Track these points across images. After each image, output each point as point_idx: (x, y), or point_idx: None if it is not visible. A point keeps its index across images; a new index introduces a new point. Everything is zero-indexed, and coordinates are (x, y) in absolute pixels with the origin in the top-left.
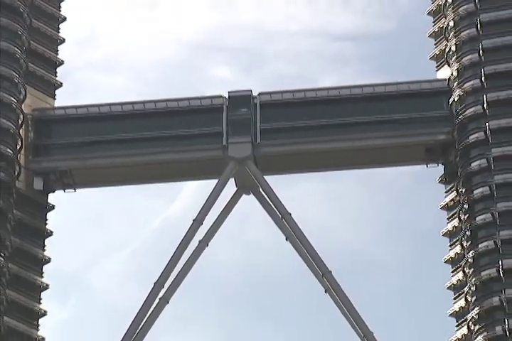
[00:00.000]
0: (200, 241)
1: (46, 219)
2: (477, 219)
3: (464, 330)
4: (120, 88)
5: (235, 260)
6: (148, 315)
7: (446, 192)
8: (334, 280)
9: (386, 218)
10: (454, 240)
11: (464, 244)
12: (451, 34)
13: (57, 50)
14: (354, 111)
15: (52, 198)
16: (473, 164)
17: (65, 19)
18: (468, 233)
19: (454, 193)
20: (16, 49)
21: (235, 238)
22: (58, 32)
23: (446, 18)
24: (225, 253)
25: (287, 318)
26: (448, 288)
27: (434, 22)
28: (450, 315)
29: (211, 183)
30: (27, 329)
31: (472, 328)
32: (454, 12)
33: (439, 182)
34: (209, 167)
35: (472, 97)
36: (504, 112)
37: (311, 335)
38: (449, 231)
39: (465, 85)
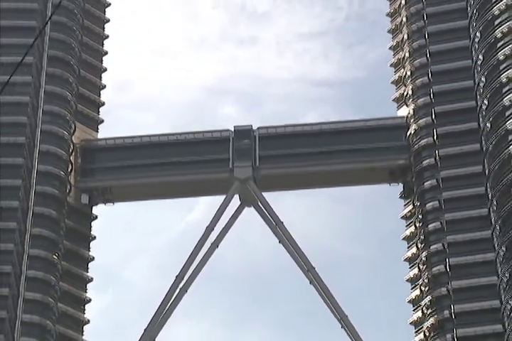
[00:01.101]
0: (211, 244)
1: (91, 227)
2: (429, 226)
3: (419, 314)
4: (149, 123)
5: (239, 258)
6: (170, 302)
7: (404, 205)
8: (317, 274)
9: (357, 226)
10: (411, 243)
11: (419, 246)
12: (408, 81)
13: (100, 94)
14: (332, 141)
15: (95, 210)
16: (425, 183)
17: (106, 69)
18: (422, 237)
19: (411, 206)
20: (67, 93)
21: (238, 241)
22: (101, 79)
23: (404, 68)
24: (231, 253)
25: (280, 304)
26: (406, 280)
27: (395, 72)
28: (408, 301)
29: (220, 198)
30: (76, 313)
31: (425, 312)
32: (410, 64)
33: (399, 197)
34: (218, 185)
35: (425, 131)
36: (450, 142)
37: (298, 317)
38: (407, 235)
39: (419, 121)
